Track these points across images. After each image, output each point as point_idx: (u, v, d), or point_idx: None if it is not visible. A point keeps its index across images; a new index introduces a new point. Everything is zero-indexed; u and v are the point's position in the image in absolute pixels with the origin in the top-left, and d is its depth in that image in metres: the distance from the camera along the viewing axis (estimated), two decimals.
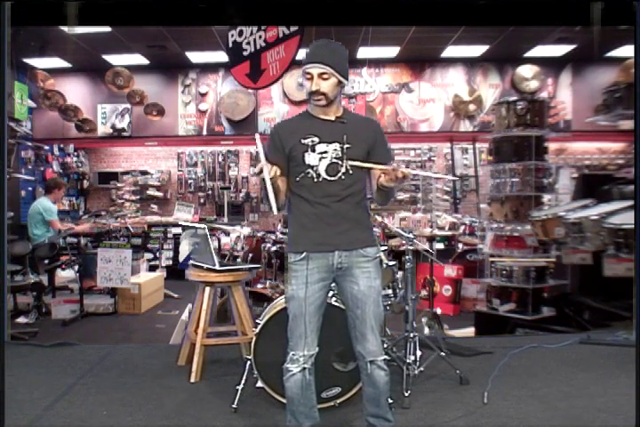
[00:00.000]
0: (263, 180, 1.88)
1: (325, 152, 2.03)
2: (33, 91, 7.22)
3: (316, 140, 2.04)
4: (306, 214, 2.07)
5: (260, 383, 2.57)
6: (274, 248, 4.05)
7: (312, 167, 2.03)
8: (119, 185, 8.97)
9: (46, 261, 5.38)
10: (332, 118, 2.08)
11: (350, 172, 2.04)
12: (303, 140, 2.04)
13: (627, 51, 7.00)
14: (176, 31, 6.54)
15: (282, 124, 2.20)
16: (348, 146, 2.04)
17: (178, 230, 7.79)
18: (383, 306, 3.06)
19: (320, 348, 2.28)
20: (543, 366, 3.22)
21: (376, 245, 2.15)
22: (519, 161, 4.45)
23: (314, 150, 2.03)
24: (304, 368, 2.08)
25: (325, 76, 2.02)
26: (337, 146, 2.03)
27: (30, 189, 7.81)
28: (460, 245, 6.62)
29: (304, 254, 2.05)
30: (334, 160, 2.03)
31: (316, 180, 2.04)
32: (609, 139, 8.49)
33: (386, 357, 2.14)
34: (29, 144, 7.53)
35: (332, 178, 2.04)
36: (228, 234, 5.32)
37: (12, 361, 3.28)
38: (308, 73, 2.02)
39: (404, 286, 3.13)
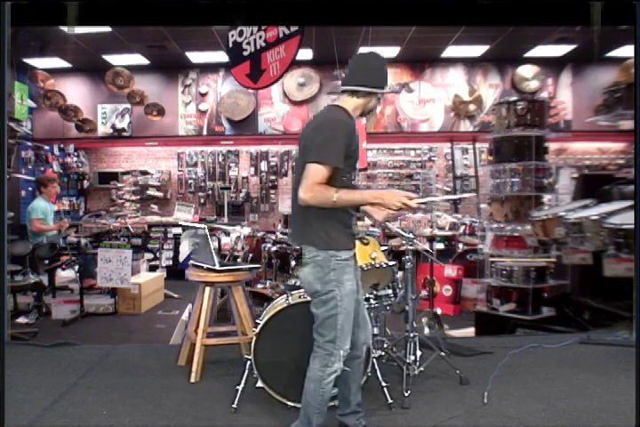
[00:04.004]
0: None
1: None
2: (33, 91, 7.22)
3: None
4: (345, 213, 2.14)
5: (259, 383, 2.57)
6: (274, 248, 4.05)
7: (355, 169, 2.26)
8: (119, 185, 8.97)
9: (46, 262, 5.37)
10: None
11: None
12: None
13: (627, 51, 7.00)
14: (176, 31, 6.54)
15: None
16: None
17: (178, 230, 7.79)
18: (383, 306, 3.10)
19: None
20: (543, 366, 3.22)
21: None
22: (519, 161, 4.45)
23: None
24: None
25: None
26: None
27: (30, 189, 7.79)
28: (461, 246, 6.61)
29: (353, 251, 2.16)
30: None
31: (353, 181, 2.22)
32: (609, 139, 8.48)
33: None
34: (29, 144, 7.52)
35: (353, 180, 2.25)
36: (228, 234, 5.32)
37: (11, 361, 3.27)
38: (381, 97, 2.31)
39: (404, 286, 3.13)
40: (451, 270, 5.68)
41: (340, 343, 2.09)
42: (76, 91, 8.21)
